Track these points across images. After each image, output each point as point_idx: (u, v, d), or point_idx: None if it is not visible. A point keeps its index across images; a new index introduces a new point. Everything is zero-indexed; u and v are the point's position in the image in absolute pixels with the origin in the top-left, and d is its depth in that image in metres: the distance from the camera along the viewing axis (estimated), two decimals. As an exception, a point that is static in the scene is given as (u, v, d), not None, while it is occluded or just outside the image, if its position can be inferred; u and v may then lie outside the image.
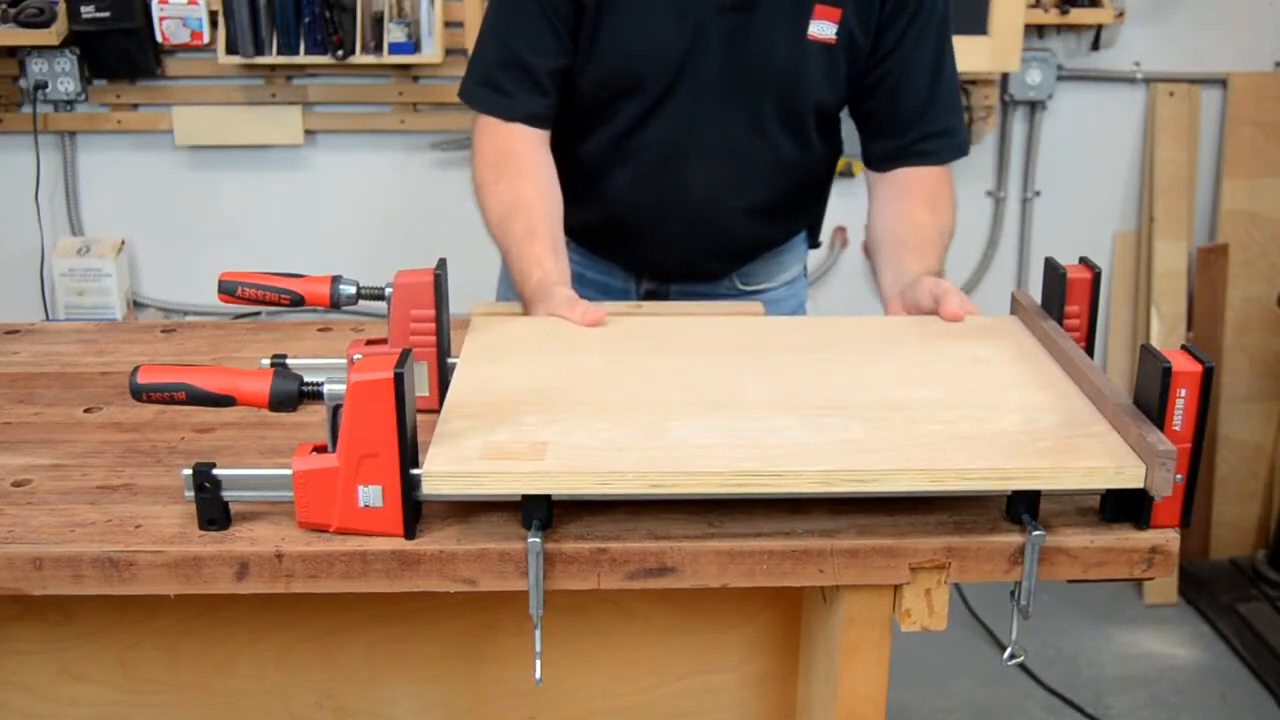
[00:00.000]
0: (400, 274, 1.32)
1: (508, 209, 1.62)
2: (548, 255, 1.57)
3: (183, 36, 2.84)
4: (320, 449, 1.11)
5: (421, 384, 1.31)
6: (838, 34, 1.64)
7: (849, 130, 1.81)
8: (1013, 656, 1.21)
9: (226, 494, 1.11)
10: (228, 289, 1.33)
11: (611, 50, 1.65)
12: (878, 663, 1.20)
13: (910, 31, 1.66)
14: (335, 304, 1.34)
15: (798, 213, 1.88)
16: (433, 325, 1.31)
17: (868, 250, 1.76)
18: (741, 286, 1.89)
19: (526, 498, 1.10)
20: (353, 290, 1.34)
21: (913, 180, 1.71)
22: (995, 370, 1.30)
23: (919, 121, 1.71)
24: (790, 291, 1.95)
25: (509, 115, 1.67)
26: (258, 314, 2.79)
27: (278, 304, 1.33)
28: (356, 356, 1.19)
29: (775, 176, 1.76)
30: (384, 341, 1.34)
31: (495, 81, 1.68)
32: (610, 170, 1.75)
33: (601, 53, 1.66)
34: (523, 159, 1.66)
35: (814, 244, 1.97)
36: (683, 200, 1.74)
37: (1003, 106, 3.16)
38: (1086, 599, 3.11)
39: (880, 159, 1.74)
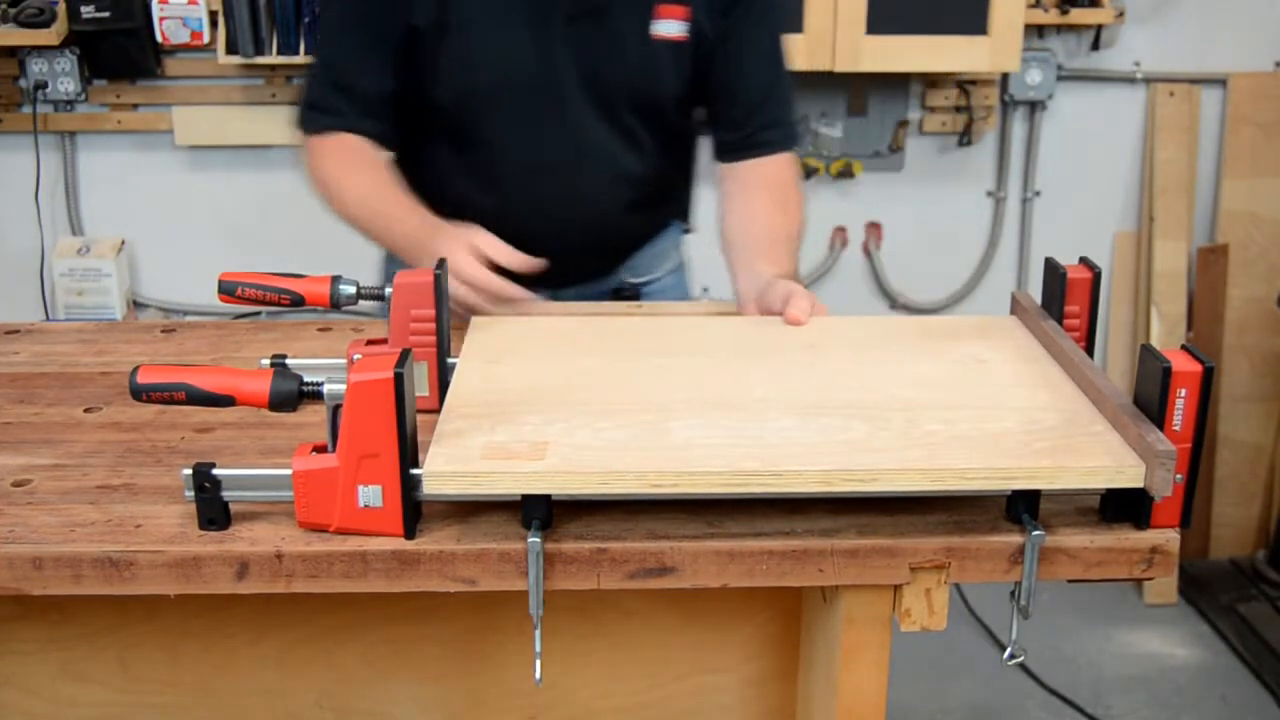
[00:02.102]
0: (400, 274, 1.32)
1: (371, 187, 1.63)
2: (424, 208, 1.58)
3: (183, 36, 2.84)
4: (320, 449, 1.11)
5: (421, 384, 1.31)
6: (689, 31, 1.66)
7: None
8: (1013, 656, 1.21)
9: (226, 494, 1.11)
10: (228, 289, 1.33)
11: (460, 69, 1.65)
12: (878, 663, 1.20)
13: (748, 19, 1.69)
14: (335, 304, 1.34)
15: (667, 201, 1.91)
16: (433, 325, 1.31)
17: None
18: (631, 280, 1.90)
19: (526, 497, 1.10)
20: (353, 290, 1.34)
21: (759, 175, 1.73)
22: (995, 370, 1.30)
23: (760, 110, 1.73)
24: (676, 280, 1.97)
25: (343, 127, 1.66)
26: (258, 314, 2.79)
27: (278, 304, 1.33)
28: (356, 356, 1.19)
29: (642, 172, 1.78)
30: (384, 341, 1.34)
31: (325, 104, 1.67)
32: (480, 186, 1.74)
33: (448, 73, 1.65)
34: (372, 154, 1.66)
35: (687, 229, 1.99)
36: (555, 207, 1.75)
37: (1003, 106, 3.15)
38: (1086, 599, 3.11)
39: (726, 150, 1.76)
